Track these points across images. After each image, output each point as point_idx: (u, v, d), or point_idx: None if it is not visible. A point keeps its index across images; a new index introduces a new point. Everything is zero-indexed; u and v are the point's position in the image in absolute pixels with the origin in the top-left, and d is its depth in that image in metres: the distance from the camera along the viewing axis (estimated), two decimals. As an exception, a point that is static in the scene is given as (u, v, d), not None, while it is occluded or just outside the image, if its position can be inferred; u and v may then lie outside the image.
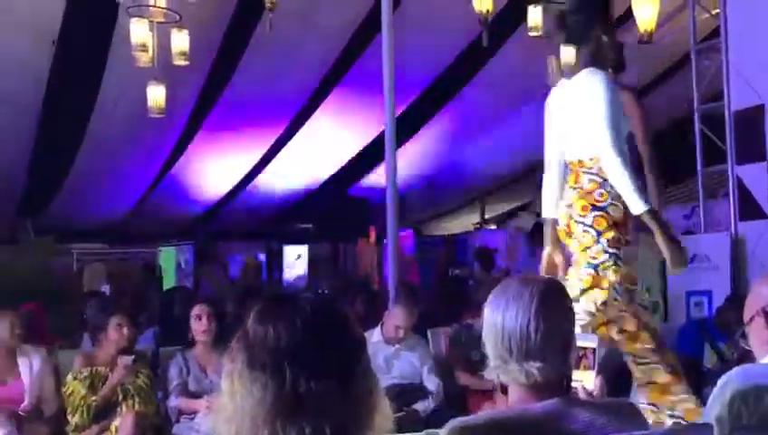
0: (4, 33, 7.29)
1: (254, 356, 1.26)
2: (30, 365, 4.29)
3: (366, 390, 1.26)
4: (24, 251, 7.81)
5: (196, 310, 4.72)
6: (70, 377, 4.24)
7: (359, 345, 1.31)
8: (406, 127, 9.14)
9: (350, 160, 11.18)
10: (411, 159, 10.39)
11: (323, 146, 10.63)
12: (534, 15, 6.51)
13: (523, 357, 1.81)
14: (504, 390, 1.89)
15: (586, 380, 2.28)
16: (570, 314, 1.93)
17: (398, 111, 6.92)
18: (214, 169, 10.85)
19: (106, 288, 9.01)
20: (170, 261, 12.57)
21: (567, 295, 1.98)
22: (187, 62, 6.51)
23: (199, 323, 4.65)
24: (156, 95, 6.81)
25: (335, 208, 11.79)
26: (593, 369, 2.31)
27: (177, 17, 6.34)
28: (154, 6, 6.27)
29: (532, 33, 6.54)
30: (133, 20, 6.34)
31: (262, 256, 13.18)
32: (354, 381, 1.25)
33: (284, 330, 1.26)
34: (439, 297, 8.47)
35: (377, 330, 5.05)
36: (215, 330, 4.67)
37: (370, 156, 10.31)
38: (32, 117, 8.56)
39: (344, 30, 8.43)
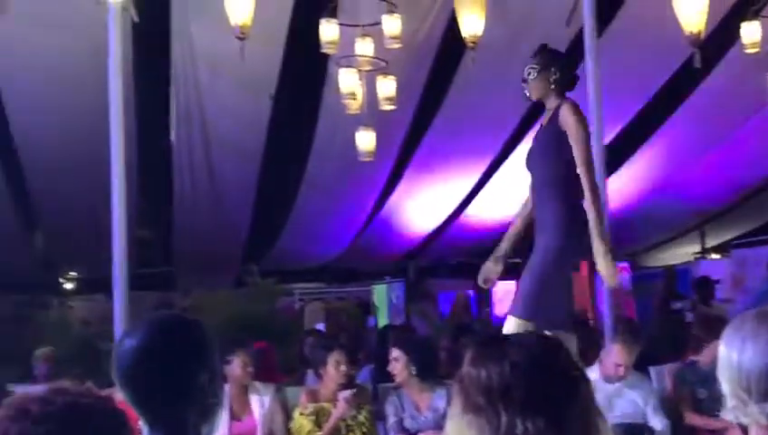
0: (230, 89, 7.91)
1: (470, 399, 1.26)
2: (261, 402, 4.55)
3: (586, 428, 1.22)
4: (251, 294, 8.32)
5: (392, 353, 4.76)
6: (297, 413, 4.45)
7: (575, 383, 1.27)
8: (615, 155, 8.87)
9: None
10: (622, 188, 10.05)
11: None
12: (749, 32, 6.15)
13: (763, 398, 1.69)
14: (745, 431, 1.78)
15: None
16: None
17: (607, 139, 6.73)
18: (422, 206, 11.05)
19: (322, 326, 9.38)
20: (383, 298, 12.86)
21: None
22: (393, 107, 6.73)
23: (394, 366, 4.71)
24: (365, 140, 7.10)
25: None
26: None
27: (384, 64, 6.58)
28: (361, 56, 6.56)
29: (748, 51, 6.17)
30: (342, 70, 6.67)
31: (471, 292, 13.17)
32: (572, 419, 1.21)
33: (497, 371, 1.24)
34: (660, 333, 8.06)
35: (595, 367, 4.90)
36: (414, 371, 4.67)
37: (579, 186, 10.06)
38: (255, 165, 9.17)
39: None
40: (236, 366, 4.51)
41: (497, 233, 12.73)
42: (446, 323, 10.20)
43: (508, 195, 10.88)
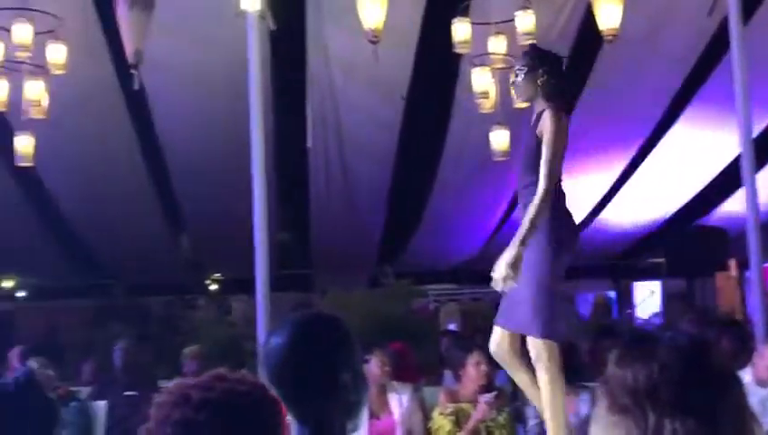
0: (363, 92, 8.03)
1: (616, 400, 1.22)
2: (399, 401, 4.59)
3: (739, 431, 1.16)
4: (386, 294, 8.40)
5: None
6: (436, 412, 4.46)
7: (727, 384, 1.21)
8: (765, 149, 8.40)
9: (702, 189, 10.52)
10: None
11: (672, 175, 10.13)
12: None
13: None
14: None
15: None
16: None
17: (756, 131, 6.39)
18: (558, 207, 10.84)
19: (456, 326, 9.34)
20: (519, 300, 12.67)
21: None
22: (528, 105, 6.63)
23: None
24: (499, 139, 7.03)
25: (688, 240, 11.11)
26: None
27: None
28: (494, 54, 6.51)
29: None
30: (475, 69, 6.64)
31: (611, 293, 12.82)
32: (724, 421, 1.16)
33: (644, 371, 1.20)
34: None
35: (747, 370, 4.66)
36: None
37: (725, 183, 9.62)
38: (388, 166, 9.26)
39: (689, 51, 8.02)
40: (374, 366, 4.57)
41: (636, 233, 12.41)
42: (586, 325, 9.95)
43: (646, 194, 10.54)
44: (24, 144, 6.80)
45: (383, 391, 4.64)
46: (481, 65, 6.63)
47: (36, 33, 6.05)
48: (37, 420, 2.40)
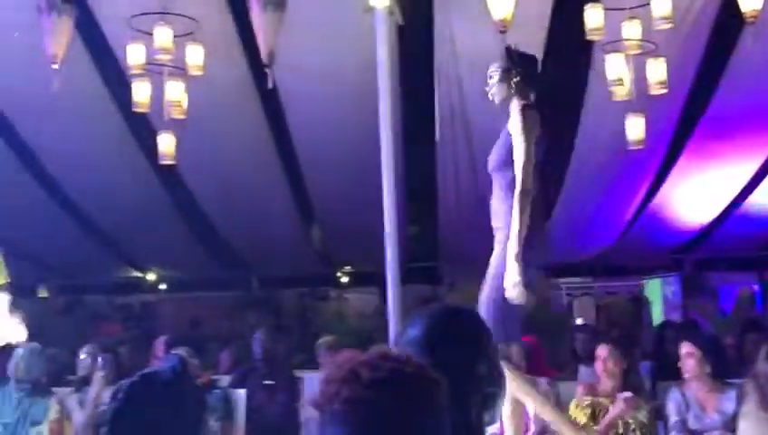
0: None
1: (767, 396, 1.16)
2: (533, 395, 4.53)
3: None
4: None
5: (686, 348, 4.54)
6: (573, 405, 4.39)
7: None
8: None
9: None
10: None
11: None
12: None
13: None
14: None
15: None
16: None
17: None
18: (697, 195, 10.40)
19: (591, 321, 9.13)
20: (656, 293, 12.30)
21: None
22: (665, 90, 6.40)
23: (687, 362, 4.47)
24: (635, 127, 6.80)
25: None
26: None
27: (653, 46, 6.27)
28: (628, 40, 6.31)
29: None
30: (608, 56, 6.45)
31: (755, 286, 12.22)
32: None
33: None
34: None
35: None
36: (707, 369, 4.43)
37: None
38: (518, 160, 9.14)
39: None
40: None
41: (783, 223, 11.72)
42: (730, 319, 9.51)
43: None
44: (166, 143, 7.11)
45: (514, 385, 4.59)
46: (614, 51, 6.44)
47: (176, 37, 6.32)
48: (191, 407, 2.50)
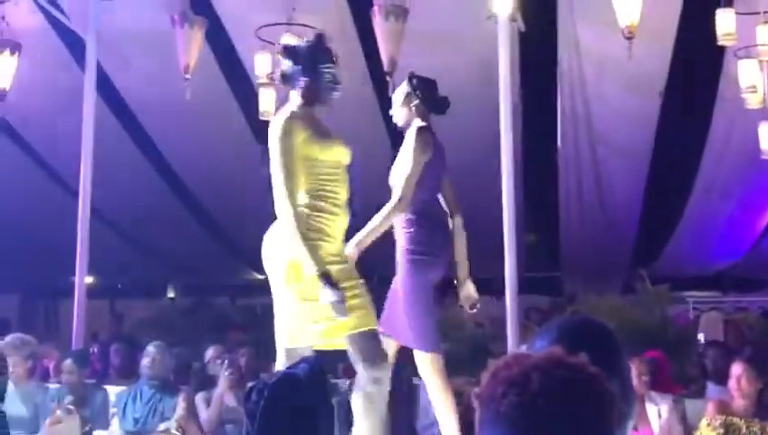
0: (616, 89, 7.76)
1: None
2: (658, 412, 4.39)
3: None
4: (641, 301, 8.04)
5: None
6: (703, 423, 4.22)
7: None
8: None
9: None
10: None
11: None
12: None
13: None
14: None
15: None
16: None
17: None
18: None
19: (718, 337, 8.73)
20: (793, 308, 11.65)
21: None
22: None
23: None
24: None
25: None
26: None
27: (790, 52, 5.99)
28: (763, 45, 6.04)
29: None
30: (741, 62, 6.20)
31: None
32: None
33: None
34: None
35: None
36: None
37: None
38: (643, 164, 8.87)
39: None
40: (632, 375, 4.40)
41: None
42: None
43: None
44: (289, 151, 7.26)
45: (641, 401, 4.46)
46: (747, 57, 6.18)
47: (300, 47, 6.46)
48: (322, 409, 2.54)
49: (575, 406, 1.14)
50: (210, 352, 6.60)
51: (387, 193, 4.20)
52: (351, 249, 3.83)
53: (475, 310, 4.38)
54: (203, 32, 6.52)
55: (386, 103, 8.02)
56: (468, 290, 4.24)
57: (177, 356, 6.68)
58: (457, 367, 7.57)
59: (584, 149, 8.69)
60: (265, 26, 6.59)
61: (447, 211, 4.26)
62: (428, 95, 4.19)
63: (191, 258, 12.14)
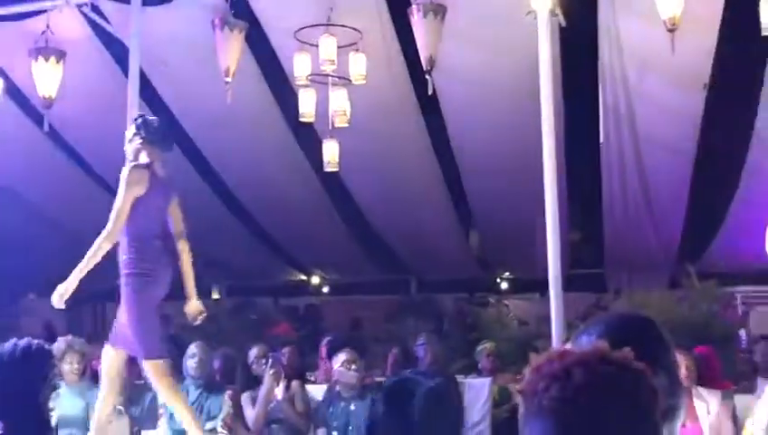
0: (659, 84, 7.64)
1: None
2: (707, 408, 4.33)
3: None
4: (688, 296, 7.92)
5: None
6: (748, 421, 4.15)
7: None
8: None
9: None
10: None
11: None
12: None
13: None
14: None
15: None
16: None
17: None
18: None
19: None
20: None
21: None
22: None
23: None
24: (818, 125, 6.37)
25: None
26: None
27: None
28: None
29: None
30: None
31: None
32: None
33: None
34: None
35: None
36: None
37: None
38: (687, 159, 8.74)
39: None
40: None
41: None
42: None
43: None
44: (330, 151, 7.31)
45: (689, 397, 4.40)
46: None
47: (339, 47, 6.49)
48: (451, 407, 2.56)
49: (617, 401, 1.13)
50: (254, 352, 6.65)
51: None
52: (71, 279, 4.57)
53: (197, 322, 5.07)
54: (243, 35, 6.57)
55: (426, 101, 8.05)
56: (190, 304, 5.05)
57: (223, 356, 6.75)
58: (504, 365, 7.56)
59: (627, 145, 8.58)
60: (304, 28, 6.62)
61: (172, 234, 4.94)
62: (150, 137, 4.78)
63: (235, 260, 12.26)
